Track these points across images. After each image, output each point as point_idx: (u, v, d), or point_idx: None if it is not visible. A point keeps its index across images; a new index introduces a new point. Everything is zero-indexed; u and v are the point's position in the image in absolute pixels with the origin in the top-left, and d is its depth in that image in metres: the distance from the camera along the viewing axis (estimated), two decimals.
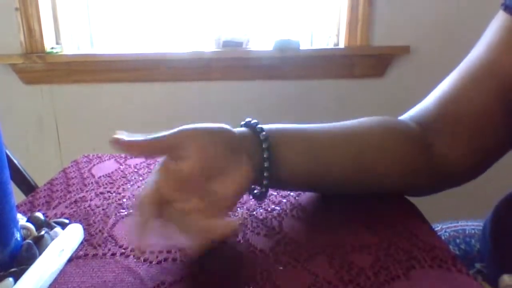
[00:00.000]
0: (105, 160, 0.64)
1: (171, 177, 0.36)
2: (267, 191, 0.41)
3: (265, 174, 0.40)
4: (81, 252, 0.39)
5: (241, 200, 0.49)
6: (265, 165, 0.39)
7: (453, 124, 0.46)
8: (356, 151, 0.44)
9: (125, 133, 0.37)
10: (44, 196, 0.51)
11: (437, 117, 0.47)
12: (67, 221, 0.42)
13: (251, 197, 0.44)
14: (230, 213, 0.46)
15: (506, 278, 0.37)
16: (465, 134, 0.45)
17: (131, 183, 0.55)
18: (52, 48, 1.43)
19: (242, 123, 0.42)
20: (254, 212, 0.46)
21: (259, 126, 0.41)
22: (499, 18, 0.45)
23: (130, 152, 0.37)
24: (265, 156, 0.39)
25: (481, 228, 0.59)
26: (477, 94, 0.45)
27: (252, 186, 0.43)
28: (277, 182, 0.42)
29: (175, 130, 0.36)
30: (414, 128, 0.47)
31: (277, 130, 0.42)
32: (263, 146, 0.39)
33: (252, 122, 0.42)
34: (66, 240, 0.38)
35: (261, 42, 1.49)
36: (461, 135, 0.45)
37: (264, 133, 0.40)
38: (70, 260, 0.38)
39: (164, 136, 0.36)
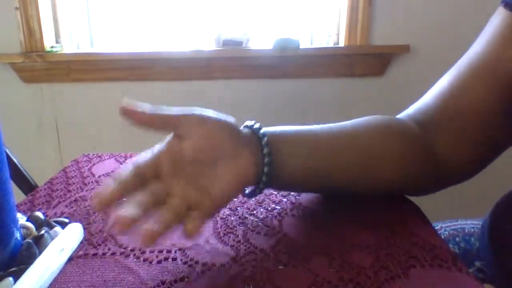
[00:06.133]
0: (105, 159, 0.64)
1: (171, 153, 0.35)
2: (260, 192, 0.41)
3: (263, 179, 0.39)
4: (81, 252, 0.39)
5: (241, 199, 0.49)
6: (265, 170, 0.39)
7: (453, 121, 0.45)
8: (357, 154, 0.43)
9: (135, 102, 0.36)
10: (44, 196, 0.51)
11: (436, 114, 0.47)
12: (67, 220, 0.42)
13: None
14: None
15: None
16: (464, 131, 0.45)
17: None
18: (52, 47, 1.43)
19: (243, 125, 0.42)
20: (254, 211, 0.46)
21: (261, 129, 0.40)
22: (499, 15, 0.45)
23: (135, 120, 0.35)
24: (265, 161, 0.39)
25: (480, 226, 0.59)
26: (477, 91, 0.45)
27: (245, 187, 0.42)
28: (276, 184, 0.42)
29: (185, 109, 0.36)
30: (413, 127, 0.47)
31: (278, 133, 0.41)
32: (264, 151, 0.39)
33: (253, 124, 0.41)
34: (66, 240, 0.38)
35: (261, 41, 1.48)
36: (461, 132, 0.45)
37: (265, 138, 0.39)
38: (70, 259, 0.38)
39: (172, 112, 0.36)
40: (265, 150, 0.39)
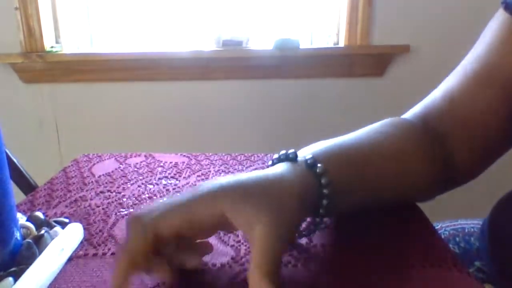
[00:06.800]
0: (105, 159, 0.64)
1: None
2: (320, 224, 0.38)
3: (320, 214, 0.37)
4: (81, 252, 0.39)
5: None
6: (324, 203, 0.36)
7: (459, 126, 0.46)
8: (395, 167, 0.42)
9: None
10: (44, 196, 0.51)
11: (442, 118, 0.47)
12: (67, 220, 0.42)
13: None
14: None
15: None
16: (471, 136, 0.46)
17: (131, 182, 0.55)
18: (52, 47, 1.43)
19: (282, 154, 0.37)
20: None
21: (311, 160, 0.36)
22: (499, 17, 0.45)
23: None
24: (324, 192, 0.36)
25: (480, 226, 0.59)
26: (482, 97, 0.45)
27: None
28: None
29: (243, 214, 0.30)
30: (425, 131, 0.47)
31: (330, 160, 0.38)
32: (324, 192, 0.36)
33: (305, 158, 0.36)
34: (66, 240, 0.38)
35: (261, 41, 1.49)
36: (467, 136, 0.46)
37: (323, 175, 0.35)
38: (70, 259, 0.38)
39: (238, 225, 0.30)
40: (325, 192, 0.36)
